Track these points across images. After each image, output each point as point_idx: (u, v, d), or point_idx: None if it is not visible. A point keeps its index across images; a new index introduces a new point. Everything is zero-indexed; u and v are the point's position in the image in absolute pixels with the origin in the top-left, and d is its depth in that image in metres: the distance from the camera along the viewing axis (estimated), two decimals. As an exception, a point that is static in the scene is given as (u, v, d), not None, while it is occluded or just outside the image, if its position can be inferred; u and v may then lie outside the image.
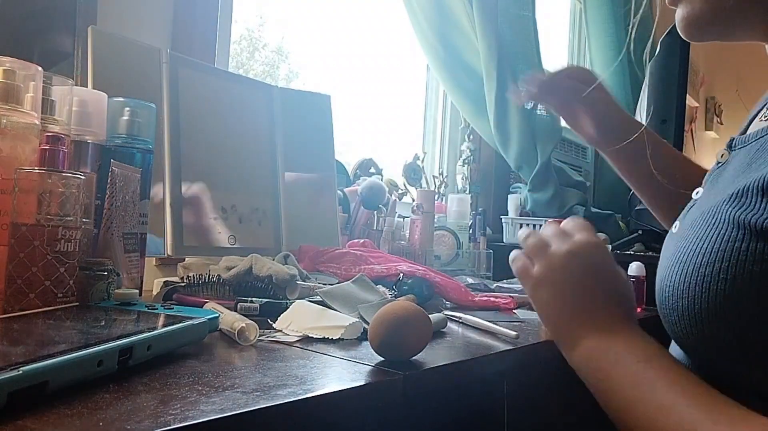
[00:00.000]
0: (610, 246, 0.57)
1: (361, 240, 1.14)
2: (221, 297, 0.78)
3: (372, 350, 0.55)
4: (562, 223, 0.59)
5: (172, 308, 0.59)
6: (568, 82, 0.82)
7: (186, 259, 0.95)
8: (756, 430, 0.40)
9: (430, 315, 0.58)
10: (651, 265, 0.86)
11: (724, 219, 0.46)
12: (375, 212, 1.31)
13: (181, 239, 0.91)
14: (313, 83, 1.70)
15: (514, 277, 1.24)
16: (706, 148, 4.28)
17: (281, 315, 0.67)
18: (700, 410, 0.43)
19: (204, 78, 0.99)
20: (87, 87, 0.80)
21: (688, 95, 1.63)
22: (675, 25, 0.61)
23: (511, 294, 1.08)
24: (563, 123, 1.05)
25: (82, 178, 0.60)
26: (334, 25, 1.68)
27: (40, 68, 0.65)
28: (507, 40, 1.68)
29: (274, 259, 0.86)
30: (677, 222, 0.59)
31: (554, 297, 0.55)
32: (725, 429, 0.41)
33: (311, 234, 1.09)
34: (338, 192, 1.22)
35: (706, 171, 0.66)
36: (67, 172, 0.59)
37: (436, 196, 1.60)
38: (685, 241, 0.50)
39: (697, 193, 0.59)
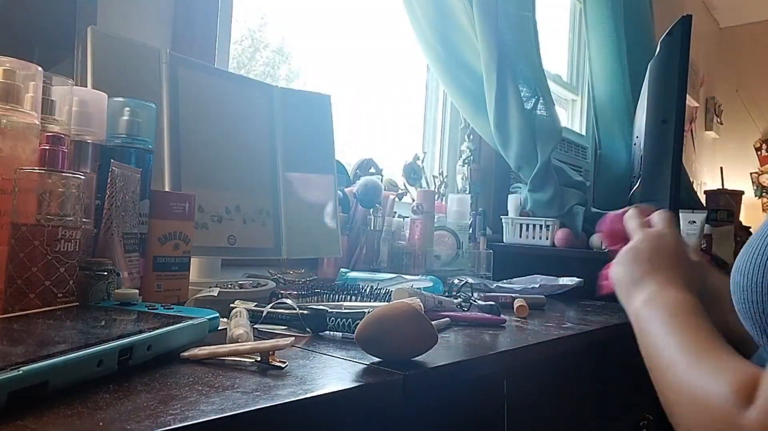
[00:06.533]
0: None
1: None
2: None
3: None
4: (651, 216, 0.74)
5: (172, 308, 0.59)
6: None
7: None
8: (733, 373, 0.46)
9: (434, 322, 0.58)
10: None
11: None
12: (372, 211, 1.31)
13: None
14: (313, 83, 1.70)
15: (514, 277, 1.25)
16: (706, 148, 4.28)
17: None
18: (685, 351, 0.52)
19: (204, 78, 0.99)
20: (87, 87, 0.80)
21: (688, 95, 1.63)
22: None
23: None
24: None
25: (82, 178, 0.60)
26: (335, 25, 1.68)
27: (40, 68, 0.65)
28: (507, 40, 1.68)
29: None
30: None
31: (629, 262, 0.68)
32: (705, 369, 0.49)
33: (311, 235, 1.09)
34: (338, 192, 1.22)
35: None
36: (67, 172, 0.59)
37: (436, 196, 1.60)
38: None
39: None
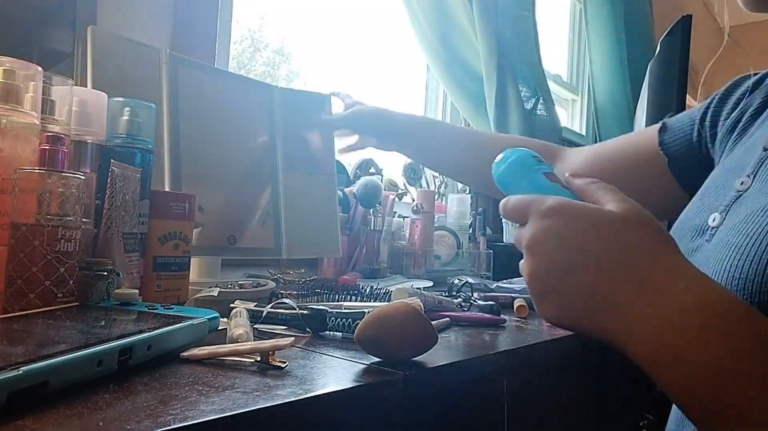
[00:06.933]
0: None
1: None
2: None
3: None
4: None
5: (172, 308, 0.59)
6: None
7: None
8: None
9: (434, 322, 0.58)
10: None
11: None
12: (372, 211, 1.31)
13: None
14: (313, 83, 1.70)
15: (515, 277, 1.24)
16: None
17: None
18: None
19: (204, 78, 0.99)
20: (87, 87, 0.80)
21: (688, 95, 1.63)
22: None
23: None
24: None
25: (82, 178, 0.60)
26: (335, 25, 1.68)
27: (40, 68, 0.65)
28: (507, 40, 1.68)
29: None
30: (716, 215, 0.53)
31: (553, 269, 0.40)
32: None
33: (311, 235, 1.10)
34: (338, 192, 1.22)
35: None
36: (67, 172, 0.59)
37: (436, 196, 1.60)
38: (740, 235, 0.46)
39: (742, 184, 0.53)
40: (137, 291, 0.63)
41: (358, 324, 0.56)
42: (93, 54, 0.82)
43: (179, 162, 0.92)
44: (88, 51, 0.83)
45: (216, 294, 0.74)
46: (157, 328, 0.50)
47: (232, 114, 1.02)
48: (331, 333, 0.67)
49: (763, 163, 0.53)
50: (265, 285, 0.92)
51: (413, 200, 1.50)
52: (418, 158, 1.12)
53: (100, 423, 0.35)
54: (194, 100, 0.95)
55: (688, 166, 0.71)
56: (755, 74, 0.66)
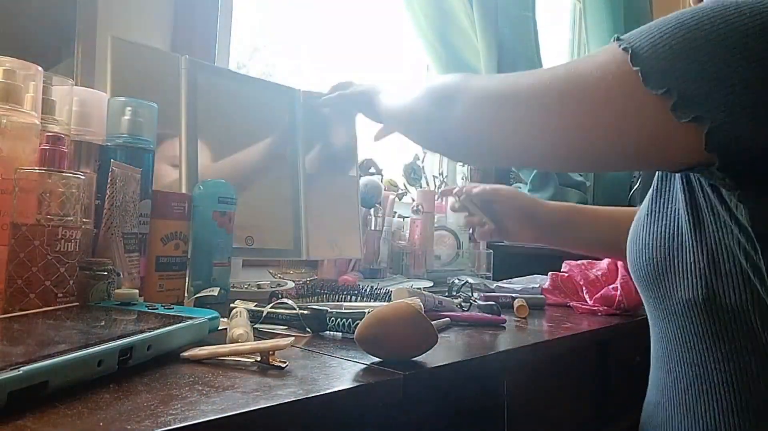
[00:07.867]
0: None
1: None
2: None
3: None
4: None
5: (173, 308, 0.59)
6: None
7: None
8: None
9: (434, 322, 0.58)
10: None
11: None
12: (372, 210, 1.31)
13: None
14: (312, 83, 1.70)
15: (515, 277, 1.24)
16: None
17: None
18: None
19: (224, 83, 0.99)
20: (106, 94, 0.81)
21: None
22: None
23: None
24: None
25: (82, 178, 0.60)
26: (335, 24, 1.68)
27: (40, 68, 0.65)
28: (507, 40, 1.68)
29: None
30: None
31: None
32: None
33: (332, 236, 1.10)
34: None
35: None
36: (67, 172, 0.59)
37: (436, 196, 1.60)
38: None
39: None
40: (137, 291, 0.63)
41: (358, 324, 0.56)
42: (113, 63, 0.83)
43: (195, 165, 0.91)
44: (108, 60, 0.83)
45: (216, 294, 0.74)
46: (157, 328, 0.50)
47: (252, 117, 1.02)
48: (331, 333, 0.67)
49: None
50: (284, 286, 0.93)
51: (413, 200, 1.50)
52: (564, 247, 1.04)
53: (100, 423, 0.35)
54: (213, 104, 0.96)
55: None
56: None
